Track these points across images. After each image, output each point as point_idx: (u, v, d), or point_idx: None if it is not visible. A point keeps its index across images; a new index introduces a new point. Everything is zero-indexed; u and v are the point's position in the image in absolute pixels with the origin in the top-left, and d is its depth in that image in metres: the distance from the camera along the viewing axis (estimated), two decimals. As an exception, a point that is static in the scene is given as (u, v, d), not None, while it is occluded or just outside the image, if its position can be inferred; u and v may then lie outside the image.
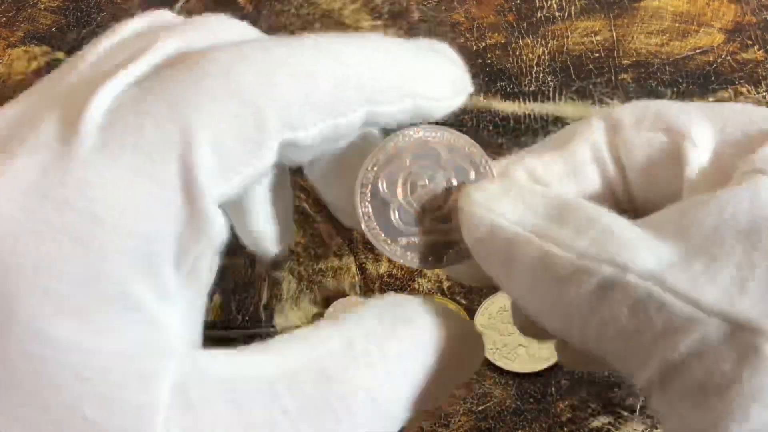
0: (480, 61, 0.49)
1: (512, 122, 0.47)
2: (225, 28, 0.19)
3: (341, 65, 0.18)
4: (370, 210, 0.21)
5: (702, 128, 0.20)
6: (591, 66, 0.48)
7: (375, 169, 0.21)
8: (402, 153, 0.21)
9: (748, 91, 0.46)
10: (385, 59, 0.19)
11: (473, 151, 0.22)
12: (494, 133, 0.47)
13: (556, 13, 0.50)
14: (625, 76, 0.47)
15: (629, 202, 0.22)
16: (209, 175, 0.16)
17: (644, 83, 0.47)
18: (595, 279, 0.17)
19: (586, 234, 0.17)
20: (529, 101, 0.47)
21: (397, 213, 0.21)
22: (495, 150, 0.46)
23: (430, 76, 0.20)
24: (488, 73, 0.48)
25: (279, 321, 0.43)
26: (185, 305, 0.17)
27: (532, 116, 0.47)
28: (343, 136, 0.19)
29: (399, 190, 0.21)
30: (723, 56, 0.47)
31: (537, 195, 0.19)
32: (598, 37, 0.48)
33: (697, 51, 0.47)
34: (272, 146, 0.17)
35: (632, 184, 0.22)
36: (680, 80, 0.47)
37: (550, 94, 0.47)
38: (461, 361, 0.19)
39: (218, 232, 0.17)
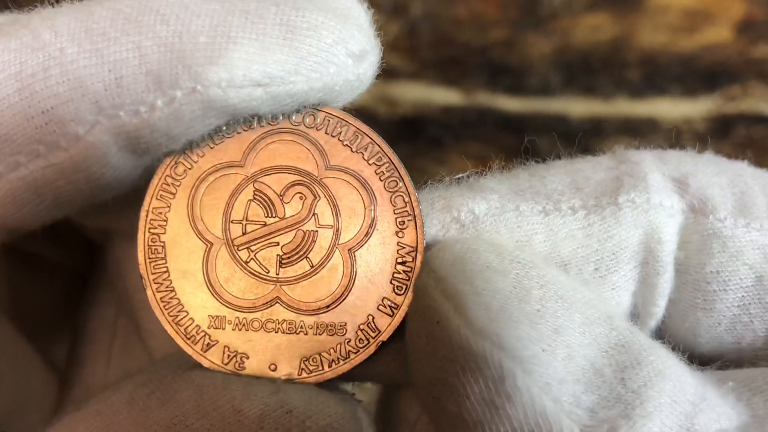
0: (483, 57, 0.48)
1: (516, 120, 0.46)
2: None
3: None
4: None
5: None
6: (596, 62, 0.47)
7: (183, 184, 0.12)
8: (237, 156, 0.12)
9: (756, 87, 0.46)
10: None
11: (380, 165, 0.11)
12: (498, 130, 0.46)
13: (561, 9, 0.49)
14: (632, 72, 0.46)
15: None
16: None
17: (651, 80, 0.46)
18: None
19: None
20: (533, 98, 0.47)
21: (216, 264, 0.12)
22: (499, 148, 0.45)
23: (296, 49, 0.13)
24: (492, 70, 0.48)
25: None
26: None
27: (536, 113, 0.46)
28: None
29: (223, 225, 0.12)
30: (731, 52, 0.46)
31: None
32: (603, 33, 0.48)
33: (705, 47, 0.47)
34: None
35: (678, 305, 0.12)
36: (688, 76, 0.46)
37: (555, 91, 0.47)
38: None
39: None
